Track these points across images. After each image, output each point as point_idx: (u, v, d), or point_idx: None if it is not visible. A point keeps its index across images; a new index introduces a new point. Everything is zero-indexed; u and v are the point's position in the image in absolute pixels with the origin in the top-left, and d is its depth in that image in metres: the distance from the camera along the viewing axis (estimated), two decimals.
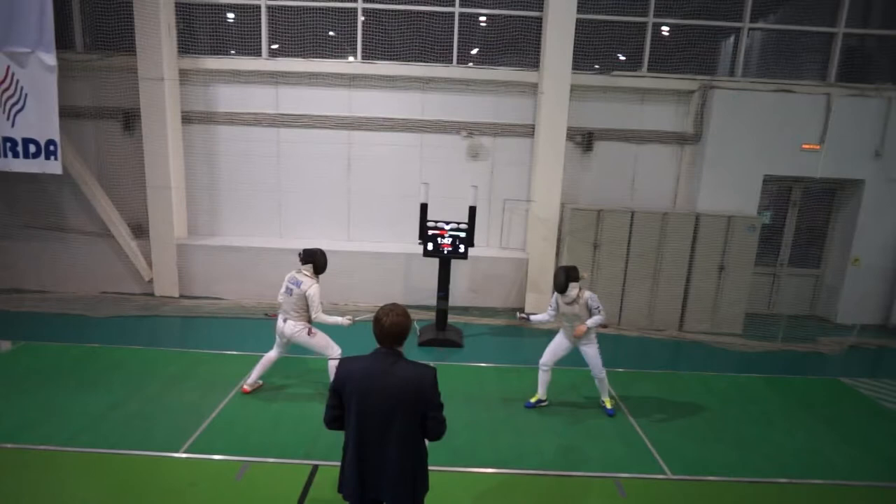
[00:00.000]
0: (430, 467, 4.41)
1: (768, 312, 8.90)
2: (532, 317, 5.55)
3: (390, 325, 2.61)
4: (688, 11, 8.32)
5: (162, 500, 3.90)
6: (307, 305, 5.14)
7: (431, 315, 7.87)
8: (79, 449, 4.46)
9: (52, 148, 7.52)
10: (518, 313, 5.87)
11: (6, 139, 7.49)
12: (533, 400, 5.54)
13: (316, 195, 8.79)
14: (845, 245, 8.61)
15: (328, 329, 5.30)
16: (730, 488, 4.37)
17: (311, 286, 5.11)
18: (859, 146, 8.19)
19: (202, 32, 8.37)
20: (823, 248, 8.97)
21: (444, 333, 7.16)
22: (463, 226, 7.03)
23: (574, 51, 7.86)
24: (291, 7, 8.16)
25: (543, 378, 5.49)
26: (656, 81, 8.41)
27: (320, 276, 5.29)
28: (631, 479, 4.41)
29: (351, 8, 8.17)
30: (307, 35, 8.26)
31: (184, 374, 5.93)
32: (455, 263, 7.48)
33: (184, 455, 4.45)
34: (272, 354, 5.50)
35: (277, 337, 5.40)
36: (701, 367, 6.82)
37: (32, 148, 7.52)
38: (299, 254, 5.31)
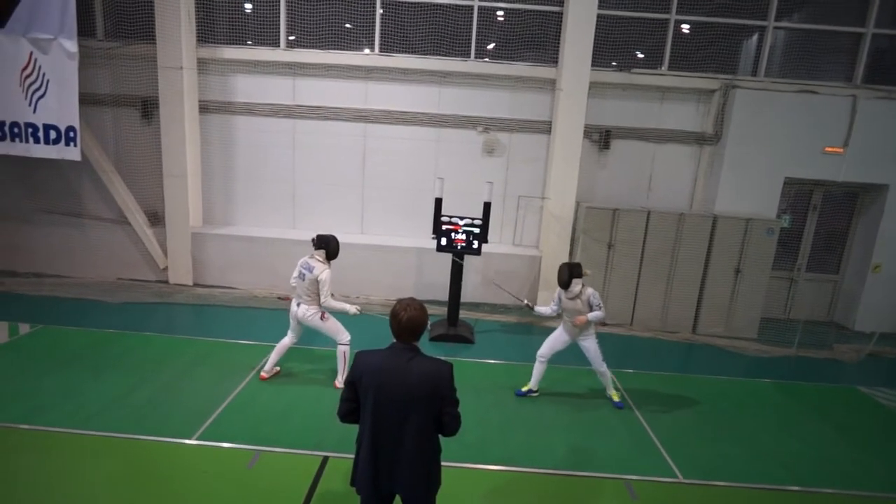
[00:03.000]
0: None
1: (784, 317, 8.76)
2: (536, 308, 5.75)
3: (408, 320, 2.61)
4: (710, 9, 8.16)
5: (175, 486, 3.95)
6: (318, 290, 5.25)
7: (443, 310, 7.87)
8: (94, 432, 4.52)
9: (71, 134, 7.60)
10: (524, 300, 6.05)
11: (28, 124, 7.58)
12: (524, 389, 5.67)
13: (330, 187, 8.81)
14: (866, 251, 8.44)
15: (339, 317, 5.37)
16: (742, 494, 4.31)
17: (323, 271, 5.22)
18: (884, 150, 8.00)
19: (221, 22, 8.39)
20: (843, 253, 8.80)
21: (455, 329, 7.15)
22: (477, 222, 6.99)
23: (593, 47, 7.75)
24: None
25: (538, 369, 5.62)
26: (677, 80, 8.28)
27: (332, 263, 5.39)
28: (641, 481, 4.37)
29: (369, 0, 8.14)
30: (324, 26, 8.24)
31: (196, 361, 5.99)
32: (468, 259, 7.45)
33: (196, 442, 4.49)
34: (286, 341, 5.59)
35: (291, 321, 5.50)
36: (714, 371, 6.74)
37: (53, 134, 7.60)
38: (313, 239, 5.42)
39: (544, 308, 5.67)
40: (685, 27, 8.30)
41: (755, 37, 8.35)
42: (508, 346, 7.07)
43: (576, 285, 5.24)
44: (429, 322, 7.68)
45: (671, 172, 8.65)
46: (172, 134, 8.17)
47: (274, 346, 5.62)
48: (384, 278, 8.47)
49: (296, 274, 5.38)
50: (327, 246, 5.34)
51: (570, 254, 8.30)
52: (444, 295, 7.56)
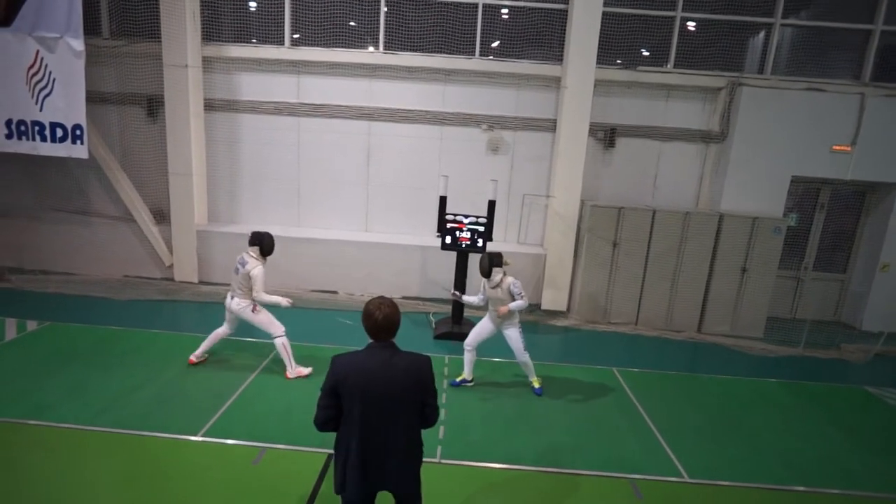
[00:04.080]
0: (444, 461, 4.45)
1: (791, 317, 8.71)
2: (465, 298, 5.97)
3: (384, 319, 2.61)
4: (717, 6, 8.10)
5: (181, 482, 3.97)
6: (251, 285, 5.41)
7: (447, 308, 7.87)
8: (100, 429, 4.55)
9: (78, 132, 7.63)
10: (451, 291, 6.35)
11: (34, 123, 7.62)
12: (458, 379, 5.79)
13: (335, 185, 8.81)
14: (874, 250, 8.38)
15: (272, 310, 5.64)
16: (747, 494, 4.30)
17: (255, 267, 5.37)
18: (893, 148, 7.93)
19: (225, 20, 8.40)
20: (851, 252, 8.74)
21: (459, 327, 7.15)
22: (482, 220, 6.98)
23: (598, 44, 7.71)
24: None
25: (468, 358, 5.72)
26: (682, 77, 8.23)
27: (268, 259, 5.57)
28: (647, 480, 4.36)
29: None
30: (328, 25, 8.24)
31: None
32: (472, 258, 7.44)
33: (202, 439, 4.51)
34: (220, 330, 5.77)
35: (227, 312, 5.66)
36: (720, 370, 6.71)
37: (59, 132, 7.64)
38: (250, 235, 5.56)
39: (472, 297, 5.82)
40: (691, 24, 8.25)
41: (762, 34, 8.29)
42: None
43: (496, 274, 5.35)
44: (433, 320, 7.72)
45: (677, 171, 8.61)
46: (178, 132, 8.20)
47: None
48: (388, 276, 8.48)
49: (234, 268, 5.55)
50: (261, 242, 5.47)
51: (576, 252, 8.28)
52: (447, 293, 7.56)
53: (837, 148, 7.97)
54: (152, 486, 3.91)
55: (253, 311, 5.53)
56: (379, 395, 2.56)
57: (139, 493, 3.83)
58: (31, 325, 6.65)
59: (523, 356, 5.57)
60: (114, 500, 3.74)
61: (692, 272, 7.83)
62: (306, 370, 5.73)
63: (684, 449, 4.85)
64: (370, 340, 2.69)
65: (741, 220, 7.70)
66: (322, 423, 2.66)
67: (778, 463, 4.75)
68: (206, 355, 5.91)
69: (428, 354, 2.75)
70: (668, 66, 8.30)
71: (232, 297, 5.55)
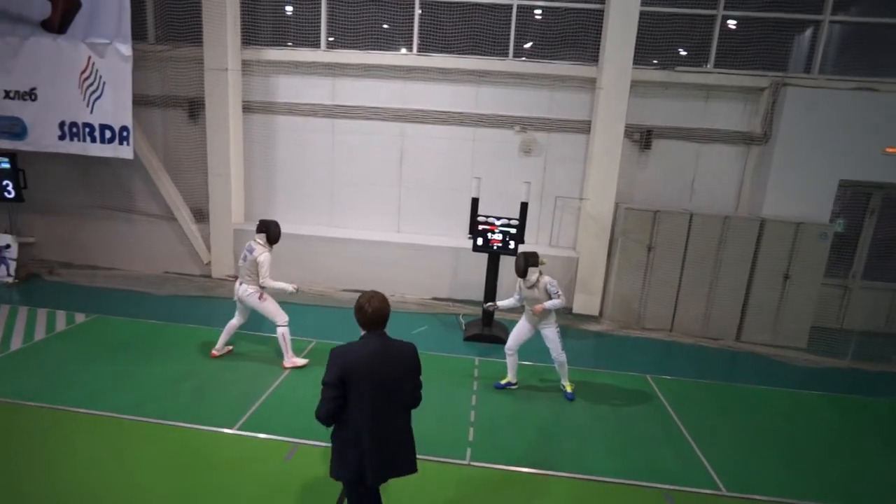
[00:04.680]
0: (474, 464, 4.44)
1: (837, 327, 8.32)
2: (500, 303, 5.91)
3: (373, 312, 2.80)
4: (760, 3, 7.83)
5: (216, 474, 4.08)
6: (258, 272, 5.58)
7: (477, 310, 7.85)
8: (142, 418, 4.73)
9: (125, 134, 7.96)
10: (486, 305, 6.31)
11: (85, 124, 7.99)
12: (503, 382, 5.75)
13: (368, 186, 8.91)
14: None
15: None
16: None
17: (262, 253, 5.57)
18: None
19: (264, 24, 8.61)
20: None
21: (489, 329, 7.12)
22: (514, 222, 6.94)
23: (635, 45, 7.57)
24: None
25: (510, 362, 5.70)
26: (723, 78, 7.99)
27: (273, 246, 5.76)
28: (681, 491, 4.24)
29: (408, 0, 8.19)
30: (363, 27, 8.35)
31: (237, 354, 6.18)
32: (504, 259, 7.40)
33: (236, 432, 4.63)
34: (234, 321, 5.93)
35: (237, 303, 5.82)
36: (760, 381, 6.47)
37: (108, 133, 7.99)
38: (257, 223, 5.72)
39: (508, 301, 5.79)
40: (732, 23, 8.00)
41: (808, 31, 7.96)
42: (543, 348, 6.91)
43: (532, 274, 5.31)
44: (463, 322, 7.71)
45: (716, 173, 8.35)
46: (217, 133, 8.45)
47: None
48: (420, 278, 8.51)
49: (242, 255, 5.71)
50: (267, 230, 5.65)
51: (609, 255, 8.13)
52: (479, 295, 7.55)
53: (891, 150, 7.58)
54: (188, 476, 4.03)
55: (259, 299, 5.72)
56: (383, 381, 2.73)
57: (176, 483, 3.96)
58: (80, 318, 6.96)
59: (560, 355, 5.53)
60: (152, 489, 3.87)
61: (731, 278, 7.58)
62: (302, 361, 5.93)
63: (721, 461, 4.69)
64: (363, 332, 2.88)
65: (784, 225, 7.41)
66: (329, 416, 2.73)
67: (822, 480, 4.54)
68: (228, 347, 6.13)
69: (412, 342, 2.95)
70: (708, 65, 8.07)
71: (240, 284, 5.73)
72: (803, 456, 4.89)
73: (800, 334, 7.59)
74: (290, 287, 5.65)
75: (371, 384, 2.70)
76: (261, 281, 5.62)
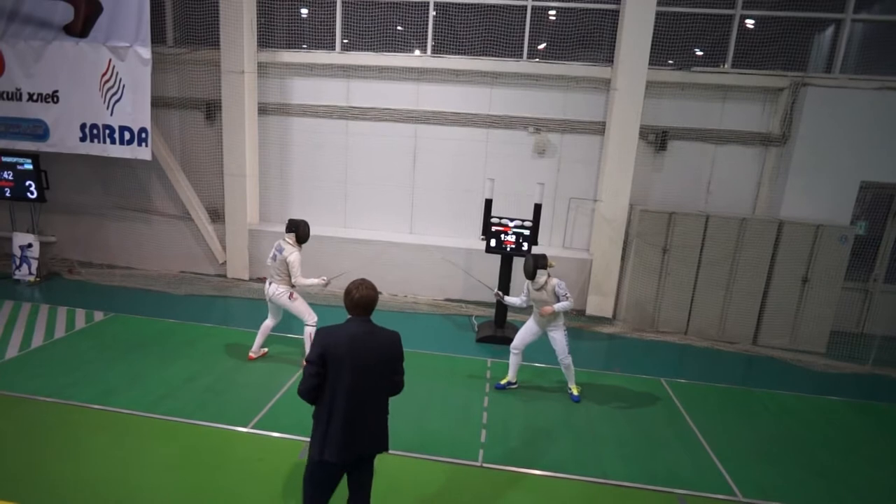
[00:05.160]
0: (486, 465, 4.42)
1: (858, 331, 8.14)
2: (506, 298, 5.94)
3: (360, 298, 2.90)
4: (779, 2, 7.70)
5: (230, 472, 4.12)
6: (289, 271, 5.58)
7: (490, 311, 7.83)
8: (158, 416, 4.79)
9: (143, 135, 8.10)
10: (495, 290, 6.30)
11: (105, 126, 8.15)
12: (503, 382, 5.76)
13: (381, 187, 8.95)
14: None
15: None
16: None
17: (292, 253, 5.58)
18: None
19: (279, 27, 8.70)
20: None
21: (502, 331, 7.10)
22: (527, 223, 6.91)
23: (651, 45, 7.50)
24: (364, 1, 8.30)
25: (513, 361, 5.71)
26: (741, 78, 7.87)
27: (303, 246, 5.77)
28: (696, 496, 4.18)
29: (422, 2, 8.21)
30: (377, 29, 8.39)
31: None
32: (516, 261, 7.38)
33: (251, 430, 4.67)
34: (268, 323, 5.98)
35: (268, 303, 5.84)
36: (777, 385, 6.35)
37: (127, 135, 8.13)
38: (286, 223, 5.73)
39: (515, 299, 5.76)
40: (749, 22, 7.89)
41: (829, 30, 7.82)
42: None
43: (541, 276, 5.32)
44: (475, 323, 7.68)
45: (732, 175, 8.24)
46: (233, 135, 8.55)
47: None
48: (432, 278, 8.52)
49: (270, 255, 5.72)
50: (297, 230, 5.66)
51: (623, 258, 8.06)
52: (491, 296, 7.51)
53: None
54: (203, 473, 4.08)
55: (290, 298, 5.73)
56: (363, 362, 2.83)
57: (190, 479, 4.00)
58: (98, 316, 7.09)
59: (566, 358, 5.51)
60: (166, 486, 3.92)
61: (748, 281, 7.46)
62: None
63: (737, 466, 4.62)
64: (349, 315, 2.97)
65: (803, 227, 7.28)
66: (309, 391, 2.86)
67: (841, 487, 4.44)
68: (264, 349, 6.14)
69: (397, 330, 3.00)
70: (726, 66, 7.96)
71: (270, 284, 5.75)
72: (822, 463, 4.79)
73: (819, 339, 7.45)
74: (320, 281, 5.65)
75: (348, 365, 2.80)
76: (293, 280, 5.63)
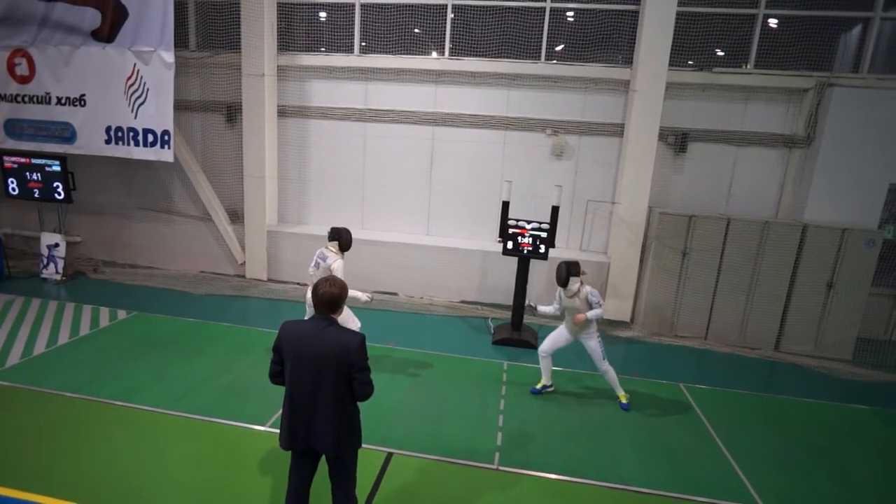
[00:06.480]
0: (502, 468, 4.40)
1: (886, 338, 7.91)
2: (539, 307, 5.76)
3: (322, 294, 2.93)
4: (804, 1, 7.54)
5: (248, 469, 4.17)
6: None
7: (506, 314, 7.81)
8: (179, 413, 4.88)
9: (166, 138, 8.26)
10: (528, 301, 6.25)
11: (130, 129, 8.34)
12: (538, 386, 5.73)
13: (398, 189, 8.99)
14: None
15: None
16: None
17: (335, 261, 5.53)
18: None
19: (299, 31, 8.81)
20: None
21: (518, 333, 7.07)
22: (545, 226, 6.88)
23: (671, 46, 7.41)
24: (383, 5, 8.35)
25: (544, 365, 5.68)
26: (764, 79, 7.73)
27: (346, 254, 5.72)
28: None
29: (440, 5, 8.24)
30: (395, 32, 8.44)
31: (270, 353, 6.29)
32: (534, 264, 7.35)
33: (269, 429, 4.72)
34: None
35: (307, 309, 5.80)
36: (801, 393, 6.21)
37: (150, 137, 8.30)
38: (329, 231, 5.72)
39: (547, 307, 5.69)
40: (772, 22, 7.74)
41: (856, 29, 7.63)
42: (573, 354, 6.84)
43: (573, 283, 5.25)
44: (491, 325, 7.66)
45: (754, 177, 8.08)
46: (253, 137, 8.68)
47: None
48: (449, 280, 8.53)
49: (312, 263, 5.70)
50: (339, 237, 5.65)
51: (641, 261, 7.97)
52: (508, 299, 7.51)
53: None
54: (221, 471, 4.14)
55: None
56: (306, 357, 2.88)
57: (209, 476, 4.06)
58: (121, 314, 7.24)
59: (603, 365, 5.44)
60: (185, 482, 3.99)
61: (770, 285, 7.31)
62: None
63: (759, 475, 4.52)
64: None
65: (829, 231, 7.11)
66: (271, 376, 3.08)
67: (869, 499, 4.32)
68: None
69: (363, 333, 2.99)
70: (748, 66, 7.82)
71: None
72: (847, 473, 4.67)
73: (844, 345, 7.27)
74: (363, 296, 5.53)
75: (294, 360, 2.90)
76: None
